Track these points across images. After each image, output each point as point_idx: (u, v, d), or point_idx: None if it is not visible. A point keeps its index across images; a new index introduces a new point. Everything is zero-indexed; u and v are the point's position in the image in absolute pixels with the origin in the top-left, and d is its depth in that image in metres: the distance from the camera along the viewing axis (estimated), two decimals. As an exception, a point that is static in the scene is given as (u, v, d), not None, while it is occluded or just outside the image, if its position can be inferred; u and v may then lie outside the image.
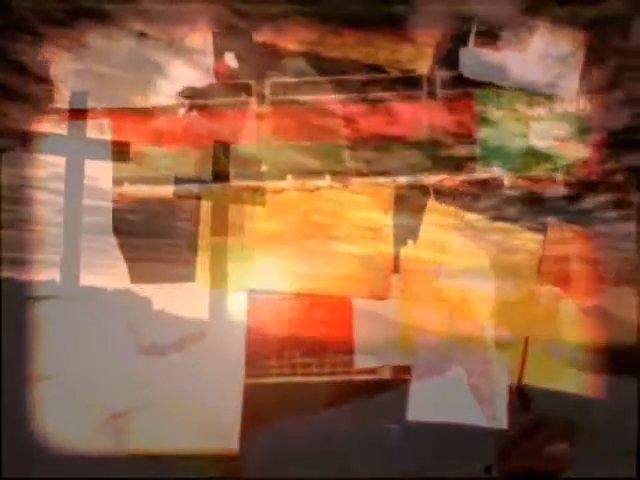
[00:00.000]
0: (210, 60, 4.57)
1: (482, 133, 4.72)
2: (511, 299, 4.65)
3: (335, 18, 4.57)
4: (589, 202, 4.73)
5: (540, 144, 4.72)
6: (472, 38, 4.63)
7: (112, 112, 4.64)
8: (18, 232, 4.62)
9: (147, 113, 4.66)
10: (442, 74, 4.76)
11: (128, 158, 4.58)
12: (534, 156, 4.72)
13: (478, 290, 4.65)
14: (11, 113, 4.76)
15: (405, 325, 4.61)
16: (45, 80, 4.57)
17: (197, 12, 4.95)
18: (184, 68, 4.53)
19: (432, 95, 4.77)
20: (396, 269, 4.64)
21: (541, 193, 4.80)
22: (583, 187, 4.78)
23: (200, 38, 4.60)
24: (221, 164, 4.70)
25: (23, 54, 4.86)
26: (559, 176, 4.70)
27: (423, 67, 4.66)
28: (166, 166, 4.59)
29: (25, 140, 4.54)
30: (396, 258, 4.63)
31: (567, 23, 4.67)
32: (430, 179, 4.67)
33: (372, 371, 4.62)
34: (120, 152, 4.62)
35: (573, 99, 4.73)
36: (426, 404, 4.53)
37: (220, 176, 4.65)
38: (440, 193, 4.70)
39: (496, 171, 4.70)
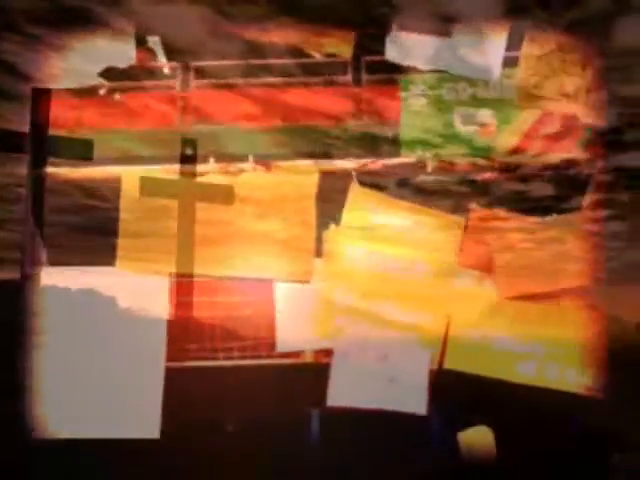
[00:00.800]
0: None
1: (406, 118, 4.74)
2: (434, 283, 4.66)
3: (321, 20, 4.64)
4: (578, 201, 4.75)
5: (464, 129, 4.74)
6: (396, 24, 4.66)
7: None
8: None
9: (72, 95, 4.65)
10: (367, 59, 4.79)
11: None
12: (458, 141, 4.74)
13: (401, 275, 4.66)
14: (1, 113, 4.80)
15: (327, 309, 4.61)
16: (35, 80, 4.58)
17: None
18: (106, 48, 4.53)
19: (357, 81, 4.79)
20: (318, 253, 4.64)
21: (530, 192, 4.83)
22: (572, 186, 4.81)
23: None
24: (148, 148, 4.70)
25: (12, 55, 4.89)
26: (482, 161, 4.73)
27: (347, 52, 4.67)
28: (88, 149, 4.58)
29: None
30: (318, 242, 4.63)
31: (549, 24, 4.71)
32: (353, 163, 4.68)
33: (294, 355, 4.62)
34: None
35: (497, 86, 4.76)
36: (346, 389, 4.53)
37: (142, 160, 4.65)
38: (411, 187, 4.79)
39: (419, 155, 4.71)
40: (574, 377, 4.52)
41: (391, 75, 4.78)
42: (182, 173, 4.69)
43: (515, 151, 4.72)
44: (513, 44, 4.70)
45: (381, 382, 4.58)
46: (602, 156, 4.69)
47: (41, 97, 4.61)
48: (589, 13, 5.75)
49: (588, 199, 4.69)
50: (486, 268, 4.65)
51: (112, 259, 4.53)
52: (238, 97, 4.71)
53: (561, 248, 4.69)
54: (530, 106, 4.70)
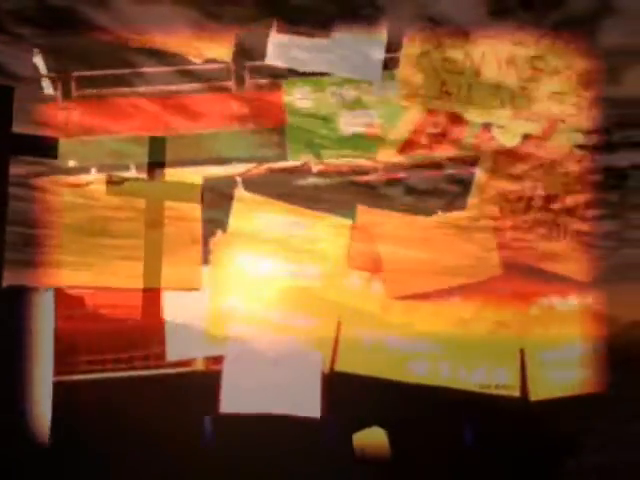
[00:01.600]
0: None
1: (291, 121, 4.74)
2: (323, 286, 4.65)
3: (307, 22, 4.64)
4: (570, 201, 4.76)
5: (349, 131, 4.75)
6: (274, 27, 4.66)
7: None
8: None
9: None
10: (250, 64, 4.79)
11: None
12: (343, 143, 4.75)
13: (290, 279, 4.65)
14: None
15: (216, 316, 4.58)
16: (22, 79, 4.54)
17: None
18: None
19: (240, 85, 4.78)
20: (206, 260, 4.61)
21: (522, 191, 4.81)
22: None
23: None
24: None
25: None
26: (367, 162, 4.74)
27: (226, 56, 4.66)
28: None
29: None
30: (205, 249, 4.61)
31: (532, 26, 4.73)
32: (238, 168, 4.67)
33: (185, 363, 4.58)
34: None
35: (380, 87, 4.77)
36: (239, 395, 4.50)
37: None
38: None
39: (305, 158, 4.71)
40: (465, 375, 4.54)
41: (275, 79, 4.78)
42: (68, 185, 4.65)
43: (401, 151, 4.74)
44: (394, 45, 4.73)
45: (273, 387, 4.55)
46: (590, 156, 4.73)
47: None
48: (572, 14, 5.83)
49: (474, 199, 4.72)
50: (374, 269, 4.65)
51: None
52: (119, 107, 4.68)
53: (451, 247, 4.72)
54: (414, 106, 4.73)
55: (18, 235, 4.60)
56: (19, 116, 3.87)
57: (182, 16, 5.00)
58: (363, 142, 4.74)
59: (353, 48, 4.68)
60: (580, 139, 4.73)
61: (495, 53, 4.61)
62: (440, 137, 4.73)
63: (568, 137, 4.75)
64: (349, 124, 4.74)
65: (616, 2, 5.84)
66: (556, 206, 4.77)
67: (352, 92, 4.76)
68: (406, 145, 4.75)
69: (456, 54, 4.65)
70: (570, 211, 4.78)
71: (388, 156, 4.74)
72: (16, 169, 4.43)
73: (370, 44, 4.68)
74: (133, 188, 4.58)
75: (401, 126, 4.75)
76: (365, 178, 4.75)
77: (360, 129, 4.74)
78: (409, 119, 4.74)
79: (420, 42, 4.67)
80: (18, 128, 3.86)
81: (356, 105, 4.77)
